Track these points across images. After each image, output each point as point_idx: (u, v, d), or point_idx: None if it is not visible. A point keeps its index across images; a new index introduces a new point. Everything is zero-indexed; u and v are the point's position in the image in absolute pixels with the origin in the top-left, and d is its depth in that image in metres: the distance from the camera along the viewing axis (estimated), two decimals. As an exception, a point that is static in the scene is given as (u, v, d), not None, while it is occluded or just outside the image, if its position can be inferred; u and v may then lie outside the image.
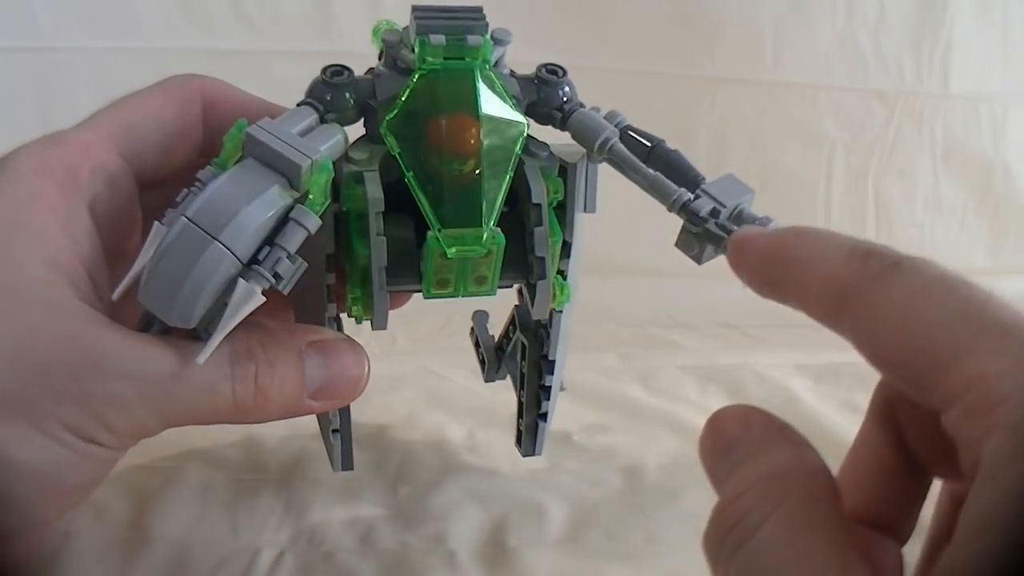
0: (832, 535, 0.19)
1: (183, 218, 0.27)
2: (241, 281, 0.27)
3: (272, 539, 0.36)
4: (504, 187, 0.30)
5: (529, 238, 0.31)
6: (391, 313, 0.40)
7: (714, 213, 0.30)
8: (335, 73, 0.32)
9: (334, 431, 0.37)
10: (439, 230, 0.30)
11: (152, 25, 0.68)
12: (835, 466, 0.27)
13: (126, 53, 0.68)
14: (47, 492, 0.28)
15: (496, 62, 0.32)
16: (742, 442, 0.21)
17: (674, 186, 0.31)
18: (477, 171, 0.30)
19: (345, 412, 0.37)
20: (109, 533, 0.35)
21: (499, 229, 0.30)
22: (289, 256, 0.28)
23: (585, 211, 0.35)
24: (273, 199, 0.28)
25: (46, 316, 0.28)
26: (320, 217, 0.28)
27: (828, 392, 0.52)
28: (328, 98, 0.31)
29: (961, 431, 0.18)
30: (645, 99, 0.71)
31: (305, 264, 0.29)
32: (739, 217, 0.30)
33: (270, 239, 0.28)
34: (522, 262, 0.32)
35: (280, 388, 0.31)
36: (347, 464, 0.38)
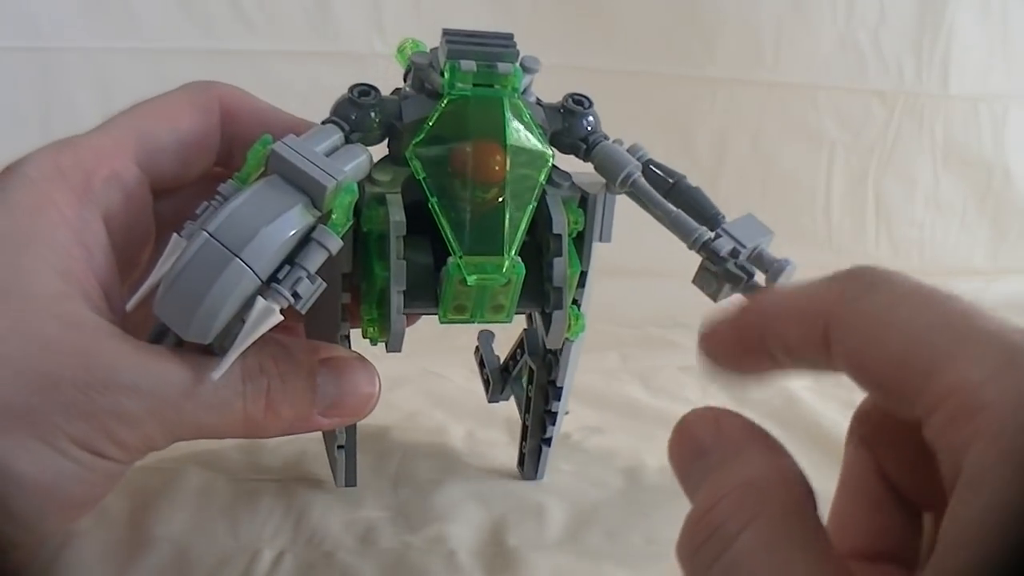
0: (811, 546, 0.18)
1: (204, 233, 0.26)
2: (260, 299, 0.27)
3: (272, 539, 0.36)
4: (527, 217, 0.30)
5: (548, 268, 0.31)
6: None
7: (734, 253, 0.30)
8: (362, 92, 0.32)
9: (339, 447, 0.37)
10: (460, 257, 0.29)
11: (152, 25, 0.68)
12: (835, 466, 0.27)
13: (126, 53, 0.68)
14: (52, 505, 0.27)
15: (524, 89, 0.32)
16: (714, 447, 0.21)
17: (695, 224, 0.31)
18: (501, 199, 0.30)
19: (351, 428, 0.37)
20: (109, 533, 0.35)
21: (520, 259, 0.30)
22: (309, 276, 0.28)
23: (600, 240, 0.35)
24: (296, 218, 0.27)
25: (58, 329, 0.27)
26: (341, 238, 0.28)
27: (828, 392, 0.52)
28: (353, 117, 0.31)
29: (942, 439, 0.18)
30: (645, 99, 0.72)
31: (324, 284, 0.28)
32: (759, 258, 0.30)
33: (291, 258, 0.27)
34: (538, 290, 0.32)
35: (291, 405, 0.30)
36: (350, 480, 0.38)
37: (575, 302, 0.34)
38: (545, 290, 0.31)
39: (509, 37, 0.31)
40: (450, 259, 0.29)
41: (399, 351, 0.31)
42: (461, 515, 0.38)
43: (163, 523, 0.36)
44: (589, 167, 0.33)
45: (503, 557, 0.35)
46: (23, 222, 0.29)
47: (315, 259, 0.28)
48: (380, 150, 0.33)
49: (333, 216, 0.28)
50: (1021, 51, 0.78)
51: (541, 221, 0.31)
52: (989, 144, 0.78)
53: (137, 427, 0.27)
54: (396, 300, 0.30)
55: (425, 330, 0.49)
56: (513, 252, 0.29)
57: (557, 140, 0.33)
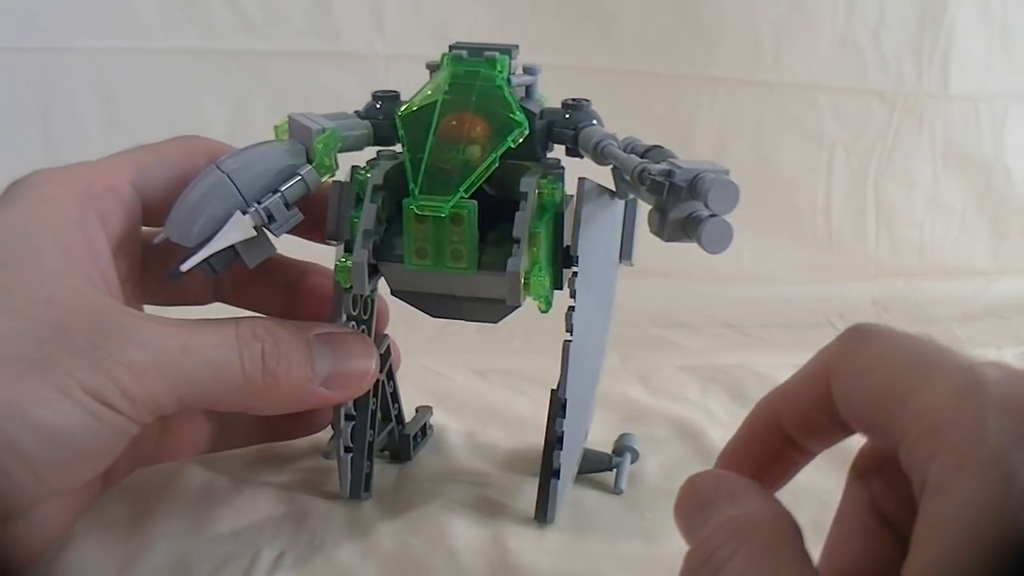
0: (797, 567, 0.20)
1: (212, 165, 0.33)
2: (238, 212, 0.32)
3: (272, 539, 0.36)
4: (483, 167, 0.33)
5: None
6: (391, 315, 0.41)
7: (668, 174, 0.29)
8: (385, 92, 0.37)
9: (346, 449, 0.37)
10: (415, 191, 0.33)
11: (152, 25, 0.68)
12: (833, 464, 0.27)
13: (126, 53, 0.68)
14: (62, 453, 0.28)
15: (528, 91, 0.36)
16: (714, 498, 0.23)
17: (638, 159, 0.31)
18: (467, 157, 0.33)
19: (360, 432, 0.37)
20: (109, 533, 0.35)
21: (474, 202, 0.33)
22: (287, 204, 0.33)
23: (621, 259, 0.37)
24: (283, 153, 0.33)
25: (63, 291, 0.30)
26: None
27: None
28: (378, 106, 0.36)
29: (912, 458, 0.20)
30: (645, 99, 0.72)
31: (301, 216, 0.33)
32: (694, 182, 0.29)
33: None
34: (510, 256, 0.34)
35: (287, 369, 0.32)
36: (355, 491, 0.38)
37: (565, 266, 0.35)
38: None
39: (510, 45, 0.35)
40: (407, 199, 0.33)
41: (363, 292, 0.35)
42: (461, 515, 0.37)
43: (163, 523, 0.36)
44: None
45: (503, 558, 0.35)
46: (31, 214, 0.31)
47: (294, 189, 0.33)
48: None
49: (325, 161, 0.34)
50: (1021, 51, 0.77)
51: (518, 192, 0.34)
52: (989, 144, 0.78)
53: (142, 378, 0.29)
54: (361, 237, 0.34)
55: (425, 329, 0.49)
56: (462, 190, 0.33)
57: (553, 130, 0.36)
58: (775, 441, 0.26)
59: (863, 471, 0.25)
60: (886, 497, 0.24)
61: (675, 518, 0.24)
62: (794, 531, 0.22)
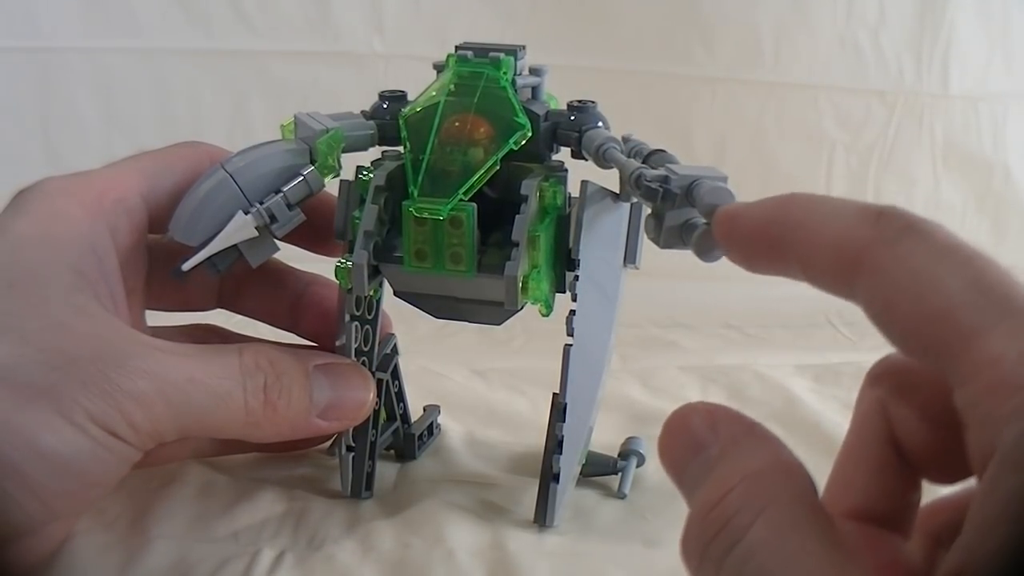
0: (822, 532, 0.18)
1: (217, 164, 0.33)
2: (240, 212, 0.32)
3: (272, 539, 0.35)
4: (483, 169, 0.33)
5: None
6: (391, 314, 0.41)
7: (664, 181, 0.29)
8: (391, 92, 0.37)
9: (348, 448, 0.38)
10: (414, 193, 0.33)
11: (152, 25, 0.68)
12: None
13: (126, 53, 0.68)
14: (69, 481, 0.29)
15: (534, 93, 0.36)
16: (712, 441, 0.20)
17: (637, 163, 0.31)
18: (463, 155, 0.33)
19: (362, 433, 0.37)
20: (109, 533, 0.35)
21: (474, 205, 0.33)
22: (289, 205, 0.33)
23: (626, 263, 0.37)
24: (286, 152, 0.34)
25: (72, 315, 0.29)
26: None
27: (828, 392, 0.52)
28: (385, 106, 0.36)
29: (976, 410, 0.18)
30: (645, 99, 0.72)
31: (303, 217, 0.34)
32: (691, 189, 0.28)
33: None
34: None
35: (287, 401, 0.32)
36: (356, 490, 0.38)
37: (569, 269, 0.36)
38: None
39: (518, 46, 0.35)
40: (406, 201, 0.33)
41: (362, 293, 0.35)
42: (461, 516, 0.37)
43: (163, 523, 0.36)
44: None
45: (502, 558, 0.35)
46: (40, 227, 0.31)
47: (296, 190, 0.33)
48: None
49: (321, 159, 0.34)
50: (1021, 51, 0.77)
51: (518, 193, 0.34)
52: (989, 144, 0.78)
53: (148, 409, 0.29)
54: (362, 238, 0.34)
55: (424, 329, 0.49)
56: (461, 193, 0.33)
57: (559, 133, 0.36)
58: (774, 255, 0.22)
59: (885, 394, 0.22)
60: (910, 427, 0.22)
61: (661, 458, 0.21)
62: (811, 487, 0.19)
